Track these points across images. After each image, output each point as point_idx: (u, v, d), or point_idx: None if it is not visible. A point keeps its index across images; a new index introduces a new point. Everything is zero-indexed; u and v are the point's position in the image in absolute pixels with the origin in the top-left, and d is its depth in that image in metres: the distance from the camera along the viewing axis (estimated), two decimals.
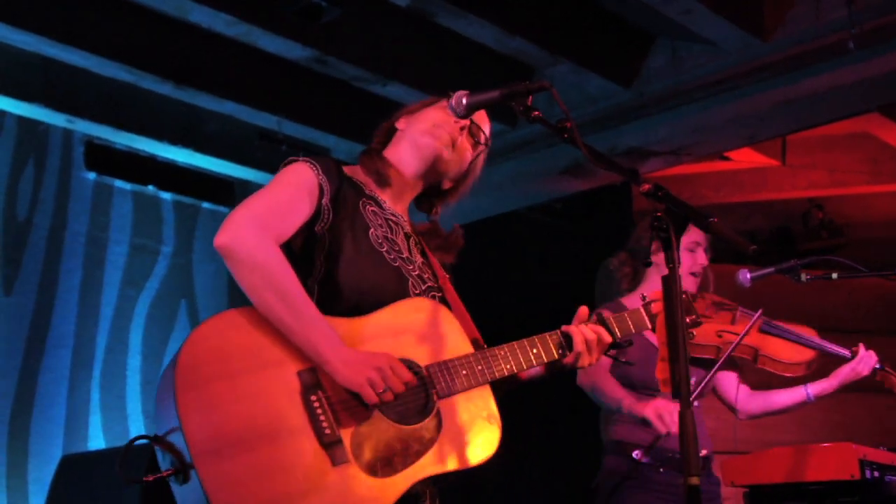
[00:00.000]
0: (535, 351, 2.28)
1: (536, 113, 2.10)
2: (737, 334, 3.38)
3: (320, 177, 2.25)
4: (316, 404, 2.02)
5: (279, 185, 2.23)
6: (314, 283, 2.21)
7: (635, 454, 3.36)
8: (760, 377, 3.62)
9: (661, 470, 3.37)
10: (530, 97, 2.12)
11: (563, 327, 2.33)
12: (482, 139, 2.47)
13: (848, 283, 6.44)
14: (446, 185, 2.51)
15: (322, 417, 2.01)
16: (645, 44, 5.13)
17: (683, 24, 4.60)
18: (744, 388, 3.68)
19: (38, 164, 5.34)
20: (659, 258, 3.46)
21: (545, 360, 2.29)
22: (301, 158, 2.29)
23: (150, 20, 4.63)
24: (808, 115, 5.05)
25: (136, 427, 5.44)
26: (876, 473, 3.43)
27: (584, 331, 2.31)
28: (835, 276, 3.55)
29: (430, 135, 2.38)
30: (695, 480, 1.80)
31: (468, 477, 2.13)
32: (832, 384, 3.56)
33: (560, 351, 2.30)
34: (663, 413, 3.21)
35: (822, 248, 6.75)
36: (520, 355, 2.26)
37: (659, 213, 1.94)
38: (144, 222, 5.72)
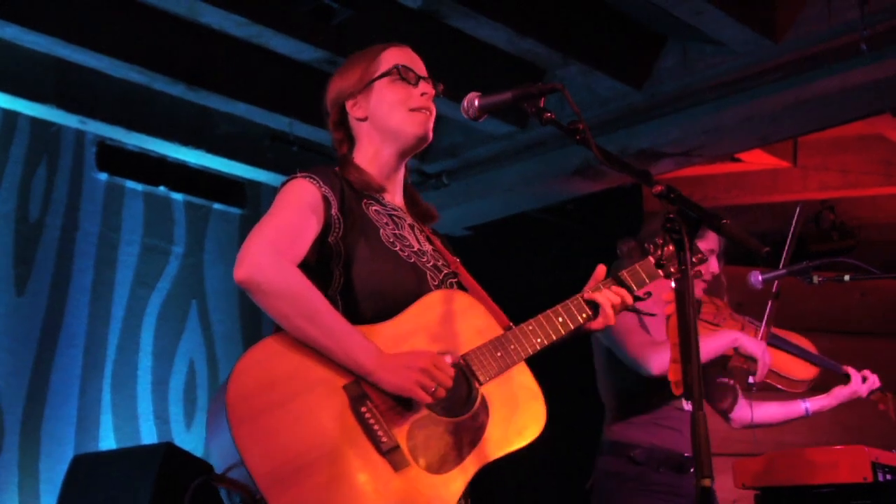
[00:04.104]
0: (560, 320, 2.32)
1: (549, 115, 2.09)
2: None
3: (323, 188, 2.23)
4: (367, 415, 2.03)
5: (285, 207, 2.21)
6: (335, 294, 2.21)
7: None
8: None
9: (660, 470, 3.36)
10: (543, 99, 2.12)
11: (587, 294, 2.37)
12: (439, 87, 2.42)
13: (860, 285, 6.42)
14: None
15: (376, 426, 2.03)
16: (656, 45, 5.13)
17: (695, 25, 4.59)
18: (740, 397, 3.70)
19: (51, 165, 5.36)
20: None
21: (572, 327, 2.33)
22: (299, 174, 2.26)
23: (161, 22, 4.64)
24: (820, 116, 5.03)
25: (147, 427, 5.46)
26: (889, 476, 3.42)
27: (608, 295, 2.35)
28: (847, 278, 3.55)
29: (407, 122, 2.35)
30: (707, 482, 1.79)
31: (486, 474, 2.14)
32: (831, 403, 3.63)
33: (584, 315, 2.35)
34: (767, 364, 3.33)
35: (833, 249, 6.73)
36: (547, 327, 2.29)
37: (671, 215, 1.93)
38: (156, 223, 5.74)
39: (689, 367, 1.83)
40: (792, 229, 3.53)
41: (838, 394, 3.63)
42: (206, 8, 4.34)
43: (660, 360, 3.29)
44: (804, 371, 3.58)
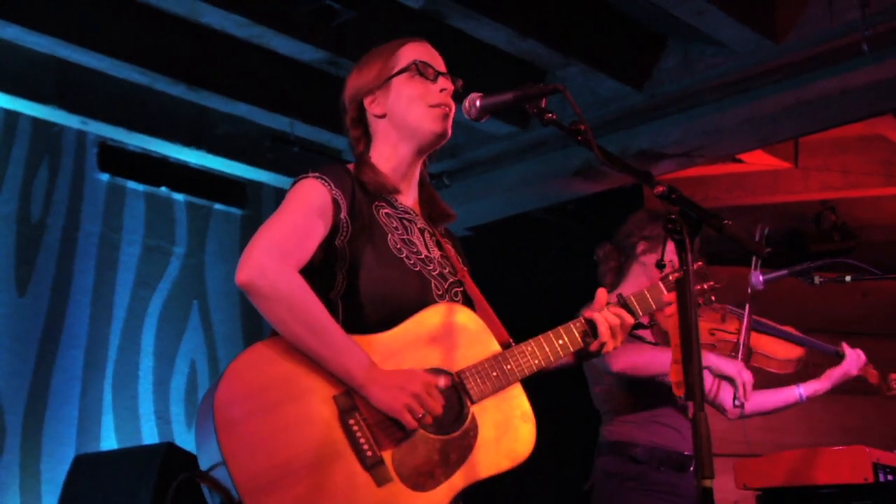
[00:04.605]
0: (560, 342, 2.27)
1: (550, 115, 2.08)
2: (729, 332, 3.43)
3: (334, 191, 2.19)
4: (355, 427, 2.01)
5: (292, 209, 2.17)
6: (336, 297, 2.18)
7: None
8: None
9: (661, 469, 3.37)
10: (544, 99, 2.11)
11: (586, 313, 2.32)
12: (458, 83, 2.37)
13: (861, 286, 6.40)
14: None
15: (362, 440, 2.01)
16: (657, 45, 5.13)
17: (696, 25, 4.59)
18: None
19: (52, 166, 5.36)
20: (648, 259, 3.49)
21: (572, 349, 2.28)
22: (311, 174, 2.22)
23: (162, 22, 4.65)
24: (821, 117, 5.03)
25: (149, 427, 5.46)
26: (889, 477, 3.42)
27: (607, 316, 2.29)
28: (848, 278, 3.55)
29: (426, 118, 2.30)
30: (708, 483, 1.79)
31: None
32: (824, 385, 3.61)
33: (586, 339, 2.29)
34: (746, 382, 3.29)
35: (834, 250, 6.73)
36: (546, 349, 2.25)
37: (673, 216, 1.93)
38: (157, 223, 5.74)
39: (691, 368, 1.83)
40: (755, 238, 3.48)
41: (831, 375, 3.62)
42: (207, 8, 4.34)
43: (620, 359, 3.29)
44: (790, 351, 3.57)
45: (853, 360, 3.61)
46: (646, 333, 3.56)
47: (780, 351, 3.55)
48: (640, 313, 2.36)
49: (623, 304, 2.35)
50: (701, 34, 4.71)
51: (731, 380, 3.33)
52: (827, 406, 3.69)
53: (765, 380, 3.60)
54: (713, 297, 2.54)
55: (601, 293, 2.37)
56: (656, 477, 3.34)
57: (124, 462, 4.29)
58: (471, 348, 2.19)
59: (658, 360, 3.30)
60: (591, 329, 2.30)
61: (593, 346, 2.30)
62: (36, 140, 5.30)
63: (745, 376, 3.33)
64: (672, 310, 2.35)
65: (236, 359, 2.01)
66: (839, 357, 3.63)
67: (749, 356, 3.51)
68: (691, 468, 3.38)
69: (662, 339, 3.45)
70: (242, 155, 5.74)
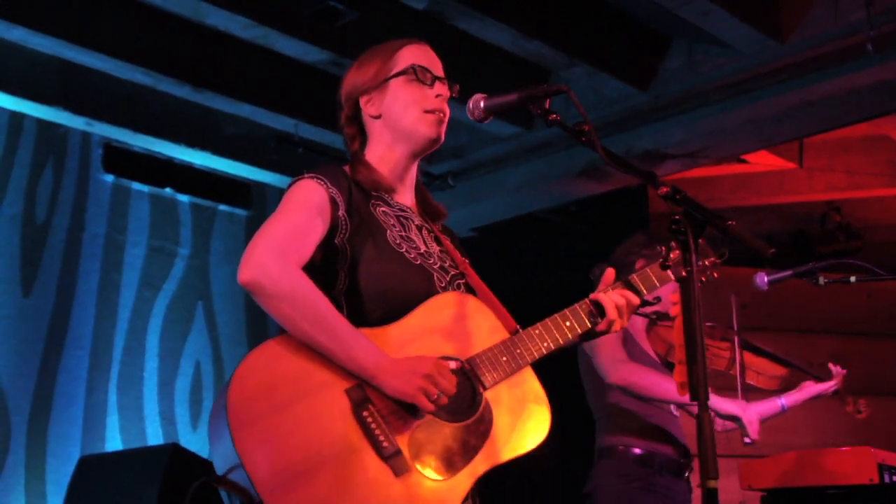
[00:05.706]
0: (568, 324, 2.29)
1: (554, 116, 2.09)
2: (720, 348, 3.56)
3: (331, 190, 2.20)
4: (369, 419, 2.01)
5: (291, 208, 2.18)
6: (339, 295, 2.18)
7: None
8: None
9: (662, 473, 3.40)
10: (548, 100, 2.11)
11: (592, 295, 2.34)
12: (454, 89, 2.37)
13: (866, 287, 6.42)
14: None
15: (377, 431, 2.01)
16: (661, 46, 5.12)
17: (700, 26, 4.59)
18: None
19: (57, 167, 5.37)
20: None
21: (579, 331, 2.31)
22: (307, 175, 2.23)
23: (167, 23, 4.66)
24: (826, 117, 5.02)
25: (153, 428, 5.46)
26: (895, 478, 3.42)
27: (613, 297, 2.33)
28: (853, 279, 3.54)
29: (421, 123, 2.31)
30: (713, 483, 1.79)
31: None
32: (801, 396, 3.73)
33: (592, 319, 2.32)
34: (752, 420, 3.40)
35: (839, 251, 6.72)
36: (554, 331, 2.27)
37: (677, 217, 1.93)
38: (162, 224, 5.75)
39: (695, 369, 1.83)
40: None
41: (808, 389, 3.75)
42: (212, 9, 4.35)
43: (618, 373, 3.38)
44: (776, 369, 3.72)
45: (838, 379, 3.71)
46: (650, 348, 3.59)
47: (768, 368, 3.67)
48: (645, 292, 2.40)
49: (627, 284, 2.39)
50: (705, 34, 4.71)
51: (736, 419, 3.42)
52: (831, 406, 3.70)
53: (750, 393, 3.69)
54: (715, 275, 2.54)
55: (609, 273, 2.40)
56: (658, 480, 3.37)
57: (129, 463, 4.29)
58: (480, 335, 2.20)
59: (660, 387, 3.38)
60: (598, 309, 2.33)
61: (601, 326, 2.33)
62: (41, 141, 5.31)
63: (751, 414, 3.43)
64: (676, 310, 2.35)
65: (246, 358, 2.00)
66: (819, 379, 3.74)
67: (743, 371, 3.58)
68: (686, 474, 3.43)
69: (665, 349, 3.49)
70: (247, 156, 5.75)
